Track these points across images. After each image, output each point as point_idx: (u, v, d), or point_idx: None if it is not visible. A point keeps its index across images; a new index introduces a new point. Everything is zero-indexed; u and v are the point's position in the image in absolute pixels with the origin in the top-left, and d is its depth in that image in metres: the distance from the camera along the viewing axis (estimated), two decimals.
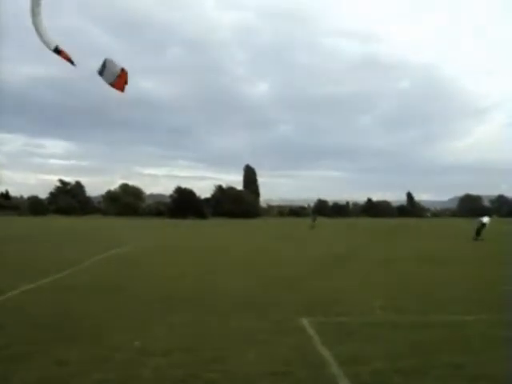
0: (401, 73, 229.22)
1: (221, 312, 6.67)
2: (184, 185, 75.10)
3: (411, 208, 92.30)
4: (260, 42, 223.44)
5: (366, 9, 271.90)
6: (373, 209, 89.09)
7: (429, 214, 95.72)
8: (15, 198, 78.82)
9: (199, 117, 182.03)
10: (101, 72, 4.77)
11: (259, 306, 7.12)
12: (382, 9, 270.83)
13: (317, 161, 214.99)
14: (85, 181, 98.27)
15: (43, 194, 76.81)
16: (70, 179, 79.89)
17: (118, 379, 4.01)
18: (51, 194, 75.62)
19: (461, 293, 8.30)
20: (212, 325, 5.94)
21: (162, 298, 7.70)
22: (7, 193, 77.58)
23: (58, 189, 75.93)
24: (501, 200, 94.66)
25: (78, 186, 77.79)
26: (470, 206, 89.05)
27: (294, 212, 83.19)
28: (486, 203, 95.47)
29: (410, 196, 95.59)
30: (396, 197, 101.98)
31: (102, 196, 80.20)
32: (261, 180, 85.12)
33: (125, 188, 77.56)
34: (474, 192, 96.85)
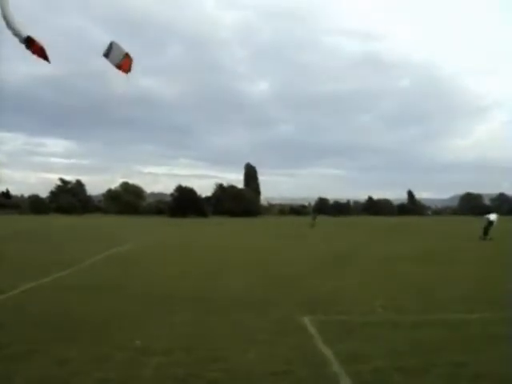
0: (402, 71, 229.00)
1: (221, 311, 6.67)
2: (185, 183, 75.10)
3: (412, 206, 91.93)
4: (260, 40, 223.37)
5: (366, 7, 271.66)
6: (374, 207, 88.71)
7: (429, 212, 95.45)
8: (16, 197, 78.90)
9: (200, 115, 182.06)
10: (106, 54, 4.75)
11: (260, 304, 7.11)
12: (383, 7, 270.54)
13: (318, 159, 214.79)
14: (85, 179, 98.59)
15: (44, 193, 76.82)
16: (71, 178, 79.88)
17: (119, 378, 4.00)
18: (52, 192, 75.58)
19: (462, 291, 8.27)
20: (213, 324, 5.94)
21: (162, 296, 7.70)
22: (8, 192, 77.68)
23: (58, 187, 75.89)
24: (502, 198, 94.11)
25: (79, 184, 77.71)
26: (470, 204, 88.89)
27: (295, 210, 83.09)
28: (487, 201, 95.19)
29: (410, 194, 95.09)
30: (397, 195, 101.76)
31: (103, 195, 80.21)
32: (261, 178, 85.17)
33: (125, 187, 77.59)
34: (474, 190, 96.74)
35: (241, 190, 76.68)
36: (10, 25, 3.91)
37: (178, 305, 7.08)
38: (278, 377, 4.07)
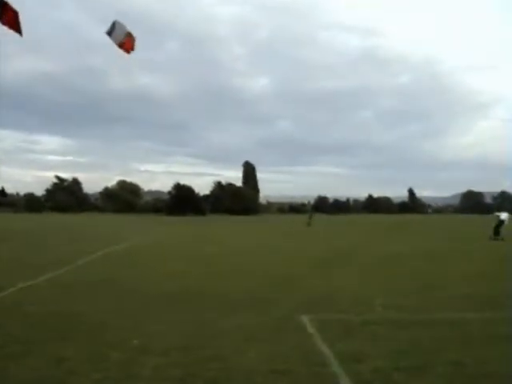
0: (401, 67, 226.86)
1: (220, 309, 6.62)
2: (182, 181, 74.50)
3: (412, 204, 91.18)
4: (258, 36, 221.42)
5: (365, 2, 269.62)
6: (374, 205, 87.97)
7: (430, 210, 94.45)
8: (11, 195, 78.35)
9: (197, 112, 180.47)
10: (109, 32, 4.70)
11: (259, 303, 7.07)
12: (382, 2, 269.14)
13: (317, 157, 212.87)
14: (82, 177, 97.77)
15: (40, 191, 76.15)
16: (67, 176, 79.08)
17: (116, 378, 3.96)
18: (47, 190, 74.92)
19: (463, 290, 8.22)
20: (211, 323, 5.90)
21: (160, 295, 7.65)
22: (3, 190, 77.09)
23: (54, 185, 75.20)
24: (503, 196, 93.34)
25: (75, 182, 77.04)
26: (472, 202, 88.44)
27: (294, 209, 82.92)
28: (489, 200, 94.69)
29: (411, 192, 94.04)
30: (397, 193, 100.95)
31: (100, 193, 79.76)
32: (260, 176, 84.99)
33: (122, 185, 77.15)
34: (476, 188, 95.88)
35: (239, 188, 76.55)
36: None
37: (175, 303, 7.03)
38: (278, 376, 4.03)
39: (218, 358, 4.44)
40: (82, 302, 7.15)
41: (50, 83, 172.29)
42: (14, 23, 3.75)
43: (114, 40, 4.64)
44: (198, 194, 73.51)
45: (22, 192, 79.29)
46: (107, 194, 76.26)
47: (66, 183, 76.04)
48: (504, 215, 21.31)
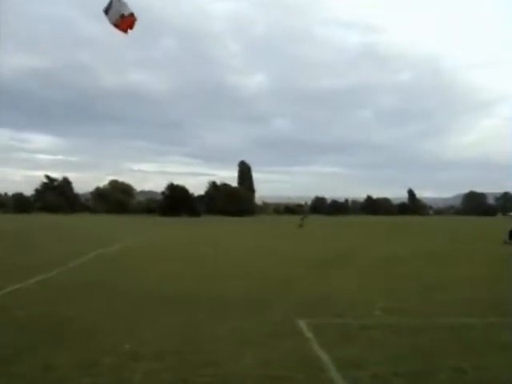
0: (402, 64, 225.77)
1: (215, 312, 6.51)
2: (176, 181, 74.15)
3: (413, 205, 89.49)
4: (254, 32, 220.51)
5: None
6: (373, 206, 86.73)
7: (431, 212, 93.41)
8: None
9: (192, 110, 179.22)
10: (106, 10, 4.56)
11: (255, 306, 6.96)
12: None
13: (314, 156, 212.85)
14: (72, 177, 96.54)
15: (29, 191, 74.76)
16: (57, 175, 77.57)
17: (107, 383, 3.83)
18: (37, 190, 73.60)
19: (464, 294, 8.11)
20: (205, 326, 5.77)
21: (153, 298, 7.52)
22: None
23: (44, 185, 73.87)
24: (506, 197, 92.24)
25: (66, 182, 75.69)
26: (474, 203, 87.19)
27: (290, 210, 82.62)
28: (491, 200, 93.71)
29: (411, 193, 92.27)
30: (397, 194, 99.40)
31: (91, 193, 78.64)
32: (256, 176, 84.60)
33: (114, 184, 76.33)
34: (478, 189, 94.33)
35: (235, 188, 76.18)
36: None
37: (168, 306, 6.90)
38: (274, 382, 3.95)
39: (213, 363, 4.34)
40: (73, 305, 7.00)
41: (40, 79, 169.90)
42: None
43: (110, 19, 4.52)
44: (192, 195, 73.08)
45: (11, 192, 77.84)
46: (99, 194, 75.33)
47: (56, 183, 74.66)
48: None
